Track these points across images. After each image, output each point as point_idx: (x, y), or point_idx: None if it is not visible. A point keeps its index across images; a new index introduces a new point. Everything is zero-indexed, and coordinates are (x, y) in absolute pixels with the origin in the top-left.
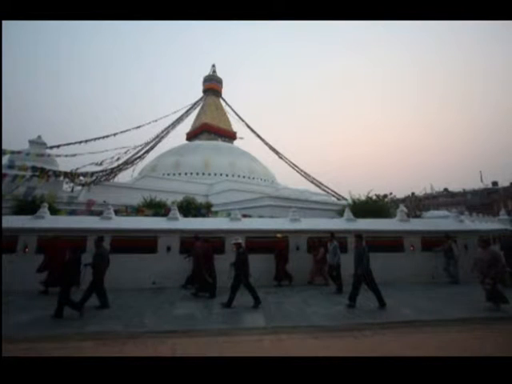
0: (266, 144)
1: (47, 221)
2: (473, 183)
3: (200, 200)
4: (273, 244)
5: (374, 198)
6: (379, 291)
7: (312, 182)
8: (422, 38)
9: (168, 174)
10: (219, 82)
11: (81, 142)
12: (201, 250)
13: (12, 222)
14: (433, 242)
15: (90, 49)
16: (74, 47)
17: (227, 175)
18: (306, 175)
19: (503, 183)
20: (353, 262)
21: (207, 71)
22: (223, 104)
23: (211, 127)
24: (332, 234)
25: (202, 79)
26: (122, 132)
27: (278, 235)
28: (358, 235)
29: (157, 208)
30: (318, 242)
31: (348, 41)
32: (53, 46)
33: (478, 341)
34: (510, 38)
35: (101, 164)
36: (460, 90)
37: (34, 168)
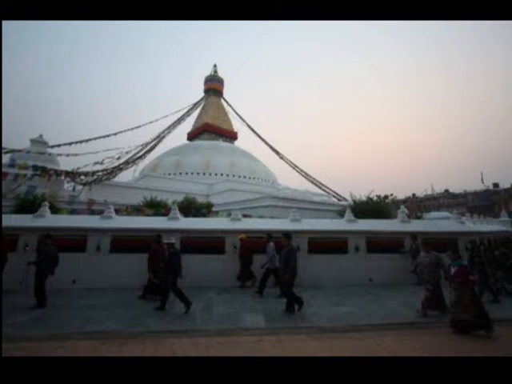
0: (267, 144)
1: (48, 220)
2: (474, 184)
3: (201, 200)
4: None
5: (375, 198)
6: (293, 297)
7: (313, 182)
8: (422, 39)
9: (169, 174)
10: (220, 82)
11: (82, 142)
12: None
13: (13, 220)
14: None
15: (91, 48)
16: (74, 47)
17: (228, 175)
18: (306, 175)
19: (504, 185)
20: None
21: (209, 71)
22: (224, 104)
23: (212, 127)
24: (269, 234)
25: (203, 79)
26: (122, 131)
27: (242, 235)
28: (286, 234)
29: (157, 208)
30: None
31: (349, 41)
32: (53, 46)
33: (477, 342)
34: (511, 39)
35: (101, 163)
36: (461, 90)
37: (35, 167)
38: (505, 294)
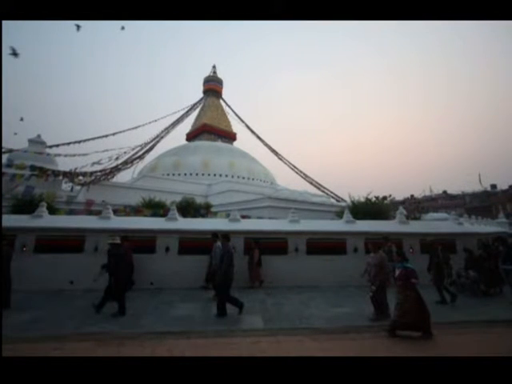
0: (266, 145)
1: (46, 220)
2: (472, 186)
3: (199, 200)
4: (273, 245)
5: (374, 199)
6: (225, 301)
7: (311, 183)
8: (424, 40)
9: (167, 174)
10: (219, 82)
11: (80, 142)
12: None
13: (10, 221)
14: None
15: (91, 49)
16: (74, 47)
17: (227, 176)
18: (305, 176)
19: (502, 186)
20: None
21: (208, 72)
22: (223, 105)
23: (211, 128)
24: (215, 233)
25: (202, 80)
26: (121, 132)
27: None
28: (224, 235)
29: (156, 208)
30: (254, 243)
31: (349, 42)
32: (53, 46)
33: (477, 343)
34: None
35: (100, 163)
36: (459, 92)
37: (32, 167)
38: (481, 296)
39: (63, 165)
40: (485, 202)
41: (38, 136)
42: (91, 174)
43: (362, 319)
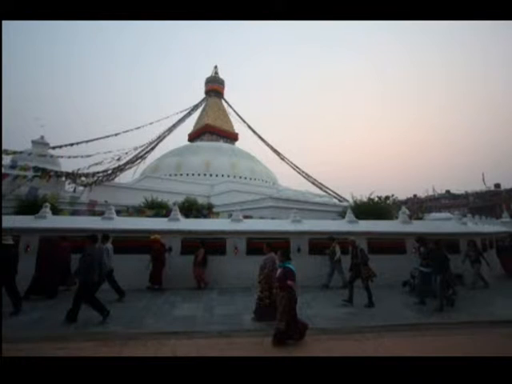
0: (268, 145)
1: (49, 221)
2: (475, 185)
3: (201, 201)
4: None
5: (376, 199)
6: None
7: (313, 183)
8: (423, 39)
9: (170, 175)
10: (221, 83)
11: (82, 142)
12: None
13: (14, 221)
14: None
15: (91, 49)
16: (74, 47)
17: (228, 176)
18: (307, 176)
19: (506, 185)
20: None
21: (209, 72)
22: (225, 105)
23: (213, 128)
24: (105, 235)
25: (204, 80)
26: (123, 132)
27: (157, 236)
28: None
29: (158, 209)
30: (199, 243)
31: (350, 41)
32: (53, 45)
33: (479, 344)
34: (510, 38)
35: (102, 164)
36: (462, 91)
37: (35, 168)
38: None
39: (66, 166)
40: (488, 202)
41: (41, 137)
42: (93, 174)
43: (364, 319)
